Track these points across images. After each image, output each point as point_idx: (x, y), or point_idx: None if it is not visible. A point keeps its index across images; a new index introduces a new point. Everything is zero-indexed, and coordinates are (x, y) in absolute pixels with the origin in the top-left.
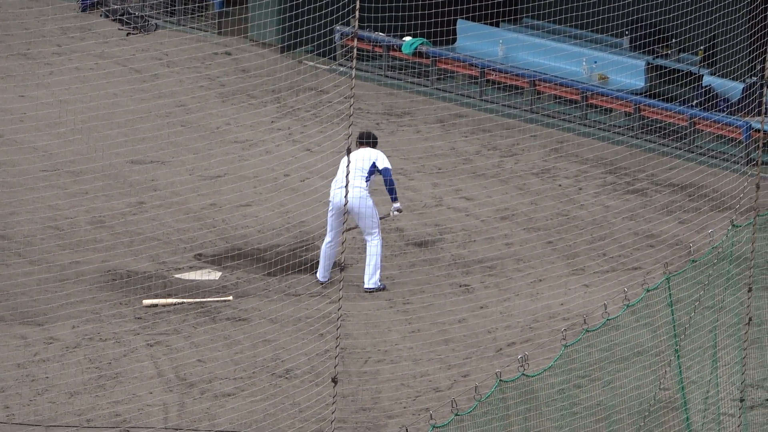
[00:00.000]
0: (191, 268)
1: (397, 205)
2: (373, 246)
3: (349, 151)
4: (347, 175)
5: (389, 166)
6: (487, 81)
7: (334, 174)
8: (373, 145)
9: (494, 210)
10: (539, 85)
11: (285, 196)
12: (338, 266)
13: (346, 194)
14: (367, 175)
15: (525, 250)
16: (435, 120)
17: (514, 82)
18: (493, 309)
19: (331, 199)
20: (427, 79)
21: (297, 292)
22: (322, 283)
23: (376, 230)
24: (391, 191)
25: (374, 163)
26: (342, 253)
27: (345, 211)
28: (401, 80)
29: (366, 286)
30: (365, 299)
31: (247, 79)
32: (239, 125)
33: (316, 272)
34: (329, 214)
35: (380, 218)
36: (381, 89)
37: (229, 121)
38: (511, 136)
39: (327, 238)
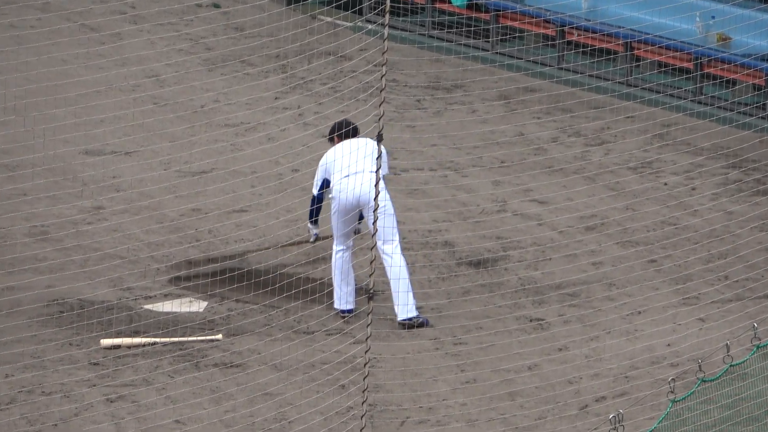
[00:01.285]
0: (166, 297)
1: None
2: (396, 259)
3: (380, 138)
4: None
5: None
6: (568, 43)
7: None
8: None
9: (577, 217)
10: (638, 49)
11: (293, 198)
12: (364, 291)
13: (377, 182)
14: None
15: (619, 271)
16: (497, 96)
17: (603, 45)
18: (575, 351)
19: (335, 195)
20: (487, 41)
21: (309, 328)
22: (344, 315)
23: (397, 236)
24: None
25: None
26: (371, 275)
27: (375, 206)
28: (451, 42)
29: (401, 317)
30: (401, 338)
31: (243, 41)
32: (231, 103)
33: (333, 302)
34: (335, 216)
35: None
36: (423, 54)
37: (217, 98)
38: (600, 117)
39: (336, 245)
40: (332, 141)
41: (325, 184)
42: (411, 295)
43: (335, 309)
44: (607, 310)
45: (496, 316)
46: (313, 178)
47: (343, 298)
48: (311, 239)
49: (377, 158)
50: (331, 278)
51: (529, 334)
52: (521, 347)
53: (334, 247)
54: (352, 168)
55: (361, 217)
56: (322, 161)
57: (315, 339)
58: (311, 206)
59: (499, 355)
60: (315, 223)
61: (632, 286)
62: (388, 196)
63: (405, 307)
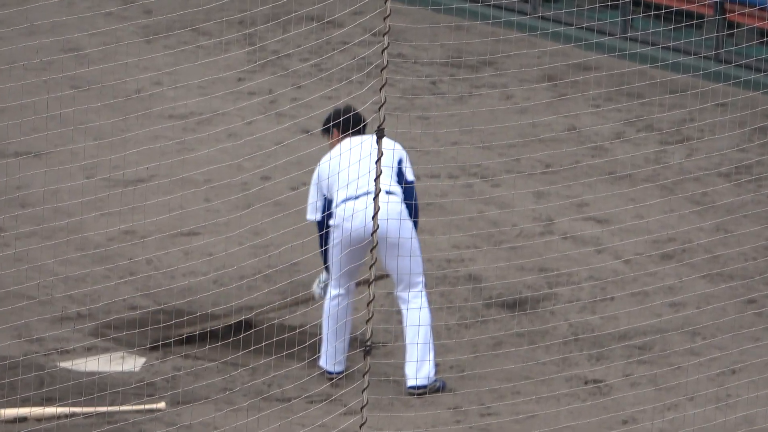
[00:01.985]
0: (89, 351)
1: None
2: (416, 306)
3: (381, 134)
4: (377, 177)
5: (413, 178)
6: (635, 3)
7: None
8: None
9: (649, 242)
10: (732, 12)
11: (263, 216)
12: (360, 346)
13: (376, 211)
14: (397, 177)
15: (706, 315)
16: (539, 76)
17: (685, 6)
18: (646, 425)
19: (338, 222)
20: (527, 2)
21: (284, 393)
22: (332, 377)
23: (422, 277)
24: (416, 214)
25: (401, 161)
26: (367, 321)
27: (373, 243)
28: (477, 3)
29: (411, 383)
30: (410, 406)
31: (193, 1)
32: (178, 86)
33: (318, 357)
34: (335, 250)
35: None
36: (439, 19)
37: (159, 79)
38: (681, 105)
39: (332, 290)
40: (328, 135)
41: (327, 205)
42: (430, 351)
43: (320, 368)
44: (690, 369)
45: (539, 376)
46: (307, 197)
47: (332, 355)
48: (317, 291)
49: (376, 162)
50: (319, 327)
51: (583, 400)
52: (573, 419)
53: (330, 289)
54: (361, 185)
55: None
56: (315, 175)
57: (292, 408)
58: (319, 236)
59: (542, 430)
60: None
61: (724, 335)
62: (413, 228)
63: (420, 365)
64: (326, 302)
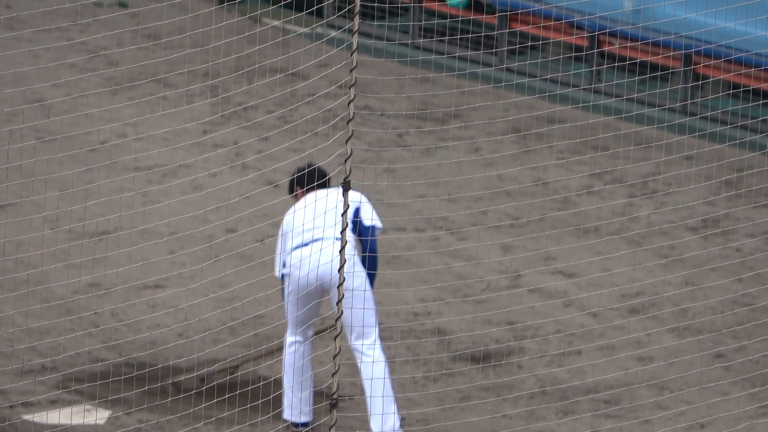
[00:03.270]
0: (53, 404)
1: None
2: (370, 359)
3: (347, 187)
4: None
5: (379, 224)
6: (603, 56)
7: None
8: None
9: (617, 295)
10: (700, 66)
11: (227, 268)
12: (326, 397)
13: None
14: (352, 225)
15: (674, 369)
16: (507, 129)
17: (653, 59)
18: None
19: (287, 270)
20: (494, 54)
21: None
22: (297, 429)
23: (375, 327)
24: (373, 265)
25: (358, 209)
26: (333, 374)
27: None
28: (444, 55)
29: None
30: None
31: (158, 53)
32: (142, 138)
33: (282, 410)
34: (288, 299)
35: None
36: (406, 72)
37: (123, 131)
38: (648, 158)
39: (289, 337)
40: (295, 197)
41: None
42: (392, 403)
43: (285, 420)
44: (658, 422)
45: (506, 429)
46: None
47: (296, 406)
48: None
49: (342, 215)
50: (281, 379)
51: None
52: None
53: (287, 337)
54: (309, 232)
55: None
56: (280, 228)
57: None
58: (281, 289)
59: None
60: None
61: (691, 388)
62: (365, 278)
63: (383, 418)
64: (284, 351)
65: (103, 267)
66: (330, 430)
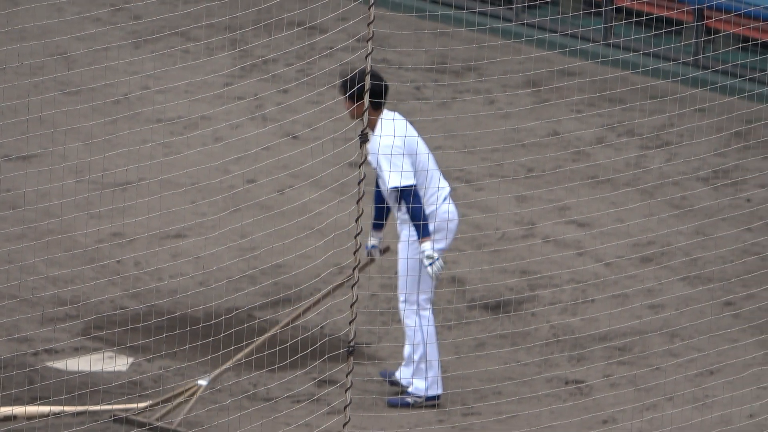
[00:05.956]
0: (76, 351)
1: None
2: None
3: (364, 139)
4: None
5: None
6: (617, 10)
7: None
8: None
9: (629, 245)
10: (712, 20)
11: (247, 218)
12: (343, 346)
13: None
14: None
15: (684, 317)
16: (522, 82)
17: (666, 14)
18: (625, 424)
19: (452, 216)
20: (509, 8)
21: (269, 392)
22: (434, 403)
23: (416, 296)
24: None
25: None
26: (350, 322)
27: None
28: (461, 9)
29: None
30: (395, 407)
31: (180, 6)
32: (165, 90)
33: (427, 389)
34: (439, 255)
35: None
36: (423, 26)
37: (146, 83)
38: (661, 111)
39: (428, 305)
40: (352, 101)
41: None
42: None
43: (418, 397)
44: (669, 369)
45: (521, 377)
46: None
47: (439, 378)
48: (367, 252)
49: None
50: (407, 348)
51: (564, 401)
52: (554, 419)
53: (420, 301)
54: (445, 188)
55: None
56: (400, 144)
57: (276, 407)
58: (417, 209)
59: (523, 430)
60: (378, 228)
61: (702, 336)
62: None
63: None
64: (417, 315)
65: (125, 217)
66: (347, 376)
